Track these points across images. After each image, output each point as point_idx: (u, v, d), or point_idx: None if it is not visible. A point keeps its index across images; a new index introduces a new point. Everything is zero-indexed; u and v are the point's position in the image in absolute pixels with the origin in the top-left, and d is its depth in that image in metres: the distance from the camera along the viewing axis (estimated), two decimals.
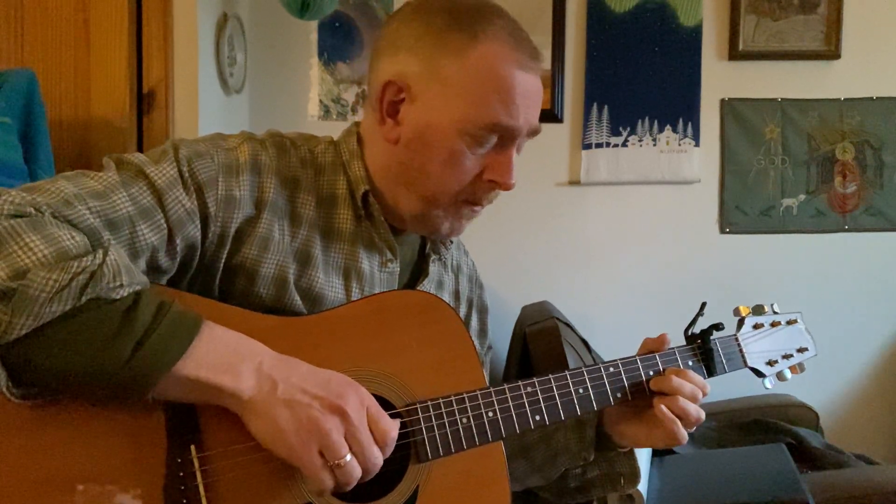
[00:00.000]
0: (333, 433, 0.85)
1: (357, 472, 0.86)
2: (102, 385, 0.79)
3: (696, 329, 1.16)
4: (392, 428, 0.90)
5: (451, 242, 1.19)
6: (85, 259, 0.78)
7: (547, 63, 2.68)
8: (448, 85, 0.98)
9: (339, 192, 1.05)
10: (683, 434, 1.06)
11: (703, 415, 1.07)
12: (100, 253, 0.80)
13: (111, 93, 2.06)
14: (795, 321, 1.26)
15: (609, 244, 2.74)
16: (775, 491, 1.75)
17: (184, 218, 0.91)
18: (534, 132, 1.04)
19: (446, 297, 1.19)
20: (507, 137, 1.01)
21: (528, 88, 1.01)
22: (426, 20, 1.00)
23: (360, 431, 0.86)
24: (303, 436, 0.84)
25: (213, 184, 0.94)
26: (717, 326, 1.15)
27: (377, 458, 0.88)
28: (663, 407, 1.05)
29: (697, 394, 1.07)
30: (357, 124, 1.11)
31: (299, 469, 0.86)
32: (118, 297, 0.79)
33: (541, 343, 1.99)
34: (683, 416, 1.06)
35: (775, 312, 1.25)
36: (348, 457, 0.85)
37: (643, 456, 1.93)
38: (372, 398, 0.90)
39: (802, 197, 2.71)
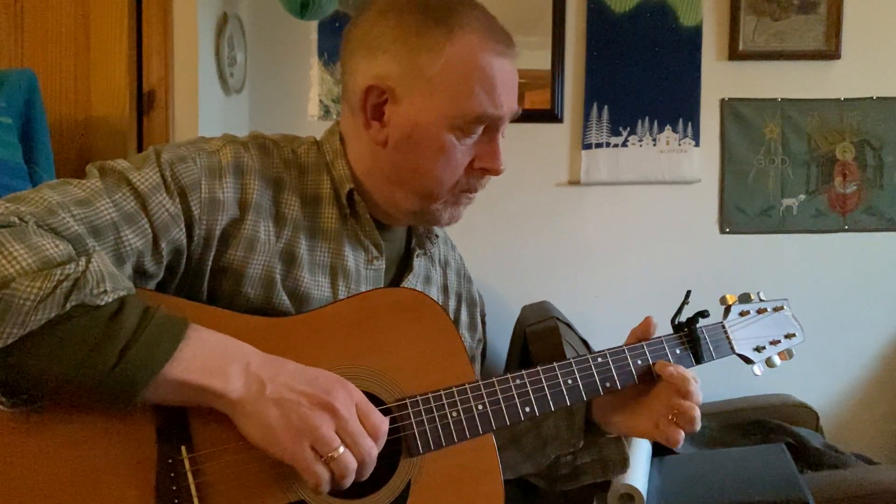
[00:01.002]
0: (323, 428, 0.85)
1: (352, 463, 0.87)
2: (90, 391, 0.79)
3: (683, 318, 1.17)
4: (382, 422, 0.90)
5: (437, 237, 1.20)
6: (68, 266, 0.79)
7: (547, 63, 2.68)
8: (431, 82, 0.99)
9: (324, 192, 1.06)
10: (681, 438, 1.06)
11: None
12: (83, 260, 0.80)
13: (111, 93, 2.06)
14: (782, 308, 1.27)
15: (609, 244, 2.73)
16: (775, 491, 1.75)
17: (168, 222, 0.92)
18: (515, 116, 1.05)
19: (434, 291, 1.20)
20: (492, 126, 1.03)
21: (507, 75, 1.02)
22: (399, 18, 1.00)
23: (350, 424, 0.87)
24: (293, 433, 0.85)
25: (196, 187, 0.94)
26: (703, 314, 1.15)
27: (371, 449, 0.88)
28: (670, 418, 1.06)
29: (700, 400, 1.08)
30: (338, 123, 1.11)
31: (293, 466, 0.86)
32: (102, 303, 0.80)
33: (541, 343, 1.99)
34: (690, 423, 1.06)
35: (762, 300, 1.26)
36: (341, 448, 0.86)
37: (643, 456, 1.93)
38: (361, 394, 0.90)
39: (802, 197, 2.71)
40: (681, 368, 1.08)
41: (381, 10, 1.02)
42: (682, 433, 1.05)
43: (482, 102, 0.99)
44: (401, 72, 0.99)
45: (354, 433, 0.87)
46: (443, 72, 0.98)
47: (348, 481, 0.88)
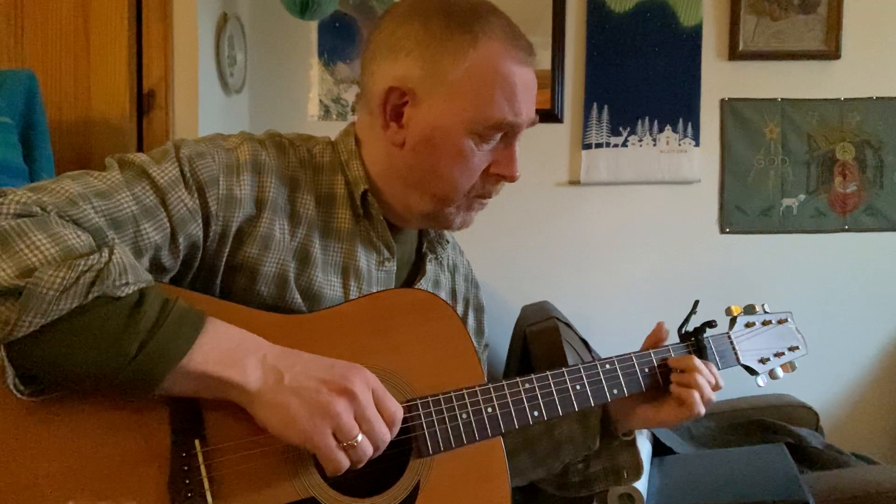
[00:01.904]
0: (344, 415, 0.86)
1: (369, 450, 0.88)
2: (110, 382, 0.80)
3: (690, 327, 1.18)
4: (398, 409, 0.91)
5: (448, 242, 1.21)
6: (91, 257, 0.79)
7: (547, 63, 2.68)
8: (452, 86, 1.00)
9: (338, 192, 1.06)
10: (701, 407, 1.09)
11: (714, 397, 1.11)
12: (105, 251, 0.81)
13: (111, 93, 2.06)
14: (786, 320, 1.29)
15: (609, 244, 2.74)
16: (775, 491, 1.75)
17: (186, 217, 0.92)
18: (533, 124, 1.06)
19: (443, 295, 1.20)
20: (510, 133, 1.04)
21: (527, 83, 1.03)
22: (423, 22, 1.01)
23: (368, 410, 0.88)
24: (315, 420, 0.86)
25: (215, 183, 0.95)
26: (710, 324, 1.17)
27: (385, 436, 0.90)
28: (675, 386, 1.11)
29: (711, 379, 1.11)
30: (353, 124, 1.12)
31: (314, 453, 0.87)
32: (124, 294, 0.81)
33: (541, 343, 1.99)
34: (699, 390, 1.10)
35: (766, 312, 1.28)
36: (360, 436, 0.87)
37: (643, 455, 1.93)
38: (376, 379, 0.91)
39: (802, 197, 2.71)
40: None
41: (405, 14, 1.03)
42: (694, 398, 1.10)
43: (502, 109, 1.00)
44: (423, 75, 1.00)
45: (371, 419, 0.88)
46: (465, 77, 0.99)
47: (362, 464, 0.89)
